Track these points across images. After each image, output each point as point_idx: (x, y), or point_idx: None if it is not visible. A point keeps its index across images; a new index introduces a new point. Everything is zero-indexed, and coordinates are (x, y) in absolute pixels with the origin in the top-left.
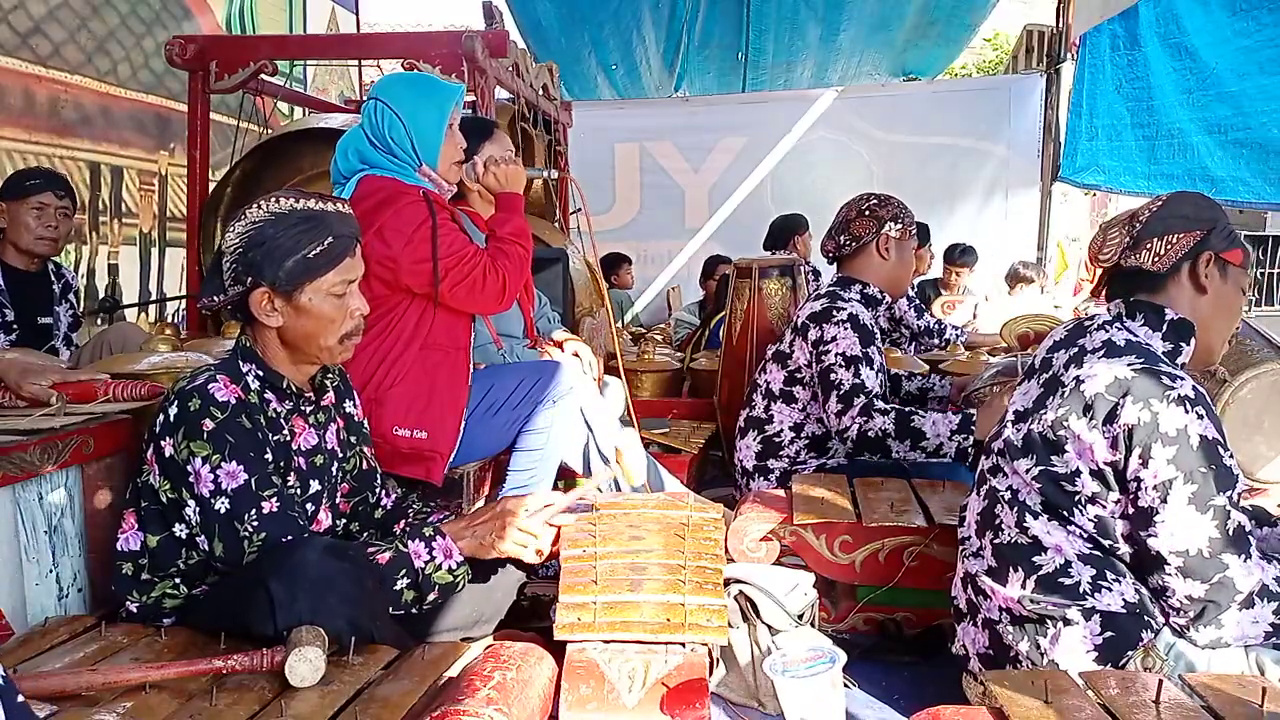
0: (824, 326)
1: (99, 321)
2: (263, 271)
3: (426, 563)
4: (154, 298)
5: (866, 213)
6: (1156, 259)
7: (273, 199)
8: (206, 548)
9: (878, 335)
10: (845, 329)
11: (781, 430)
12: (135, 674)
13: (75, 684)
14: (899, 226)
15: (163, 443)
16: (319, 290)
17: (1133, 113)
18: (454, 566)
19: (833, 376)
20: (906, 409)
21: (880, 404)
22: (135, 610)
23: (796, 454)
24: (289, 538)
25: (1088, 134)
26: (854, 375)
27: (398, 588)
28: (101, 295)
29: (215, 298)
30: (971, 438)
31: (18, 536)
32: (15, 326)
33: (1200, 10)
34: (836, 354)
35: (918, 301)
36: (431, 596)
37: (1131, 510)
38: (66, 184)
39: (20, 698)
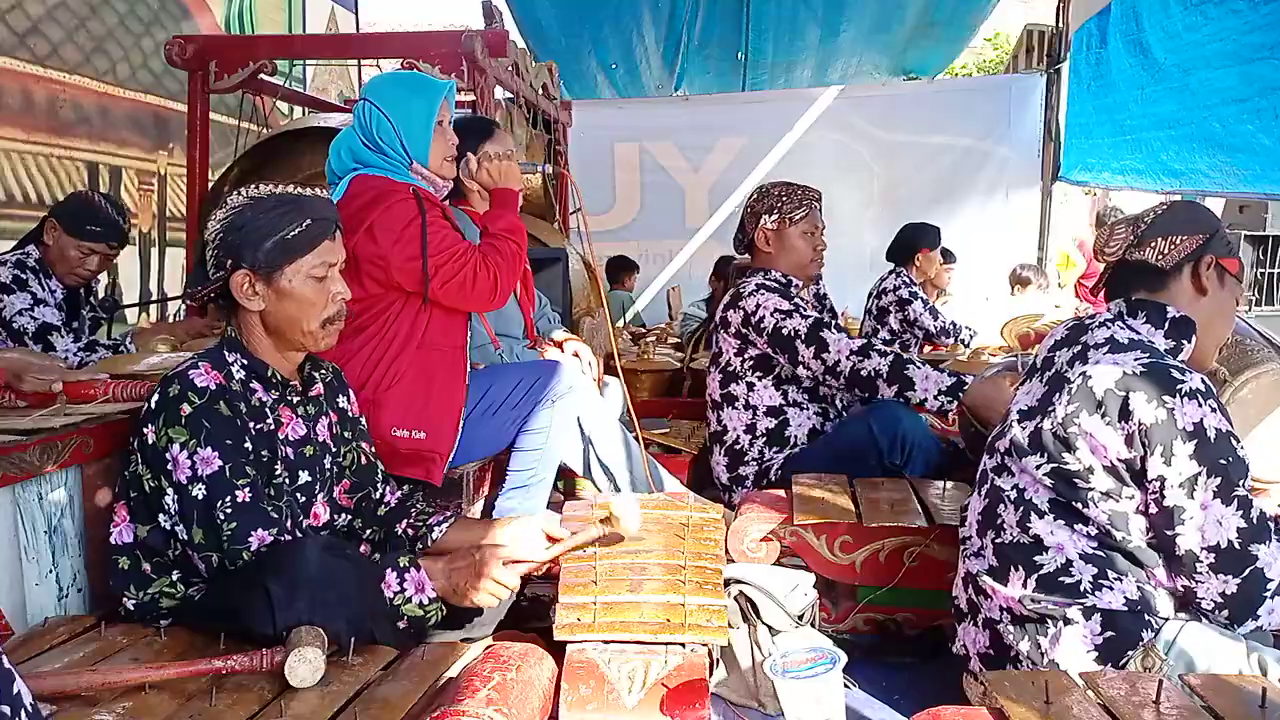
0: (741, 306)
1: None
2: (242, 254)
3: (396, 593)
4: (154, 298)
5: (748, 210)
6: (1161, 256)
7: (251, 186)
8: (185, 536)
9: (792, 294)
10: (762, 294)
11: (737, 437)
12: (135, 674)
13: (75, 684)
14: (775, 218)
15: (145, 429)
16: (299, 272)
17: (1096, 110)
18: (425, 601)
19: (784, 331)
20: (905, 356)
21: (880, 346)
22: (133, 607)
23: (760, 455)
24: (259, 530)
25: (1071, 132)
26: (801, 319)
27: None
28: (102, 295)
29: (199, 287)
30: (956, 402)
31: (18, 536)
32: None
33: (1158, 6)
34: (770, 314)
35: (931, 304)
36: (401, 625)
37: (1155, 510)
38: (123, 233)
39: None
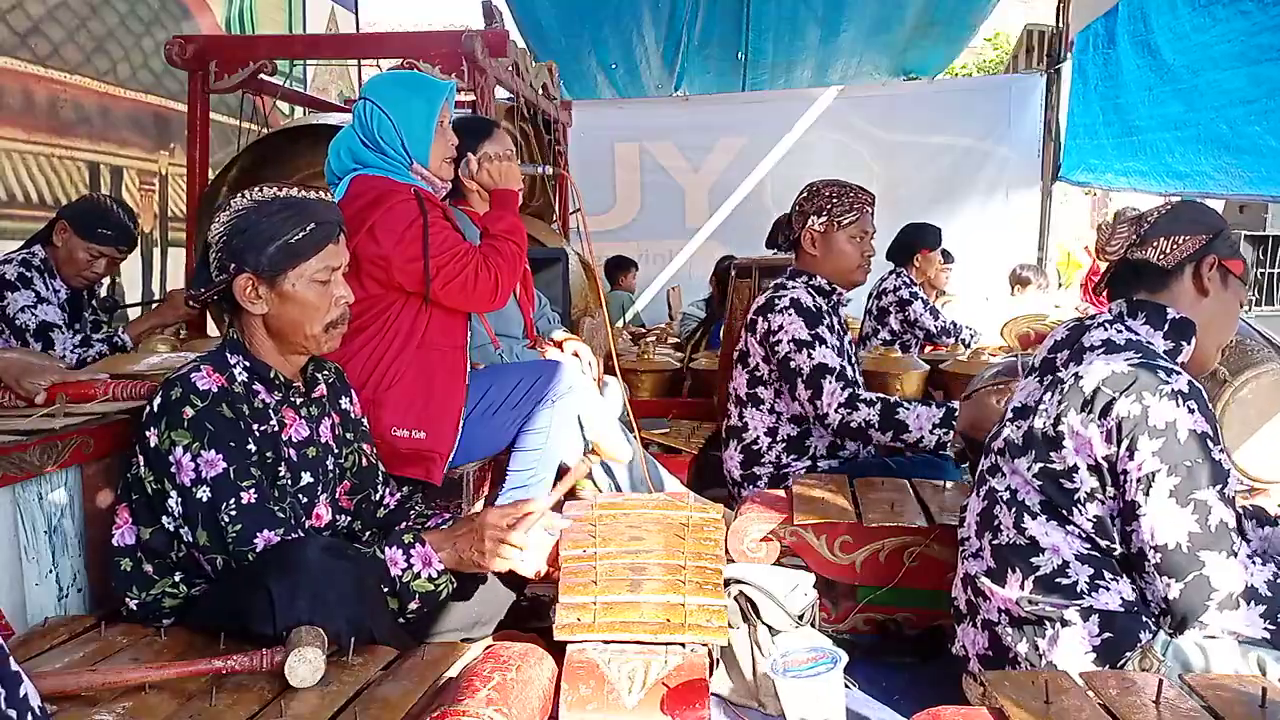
0: (769, 317)
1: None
2: (245, 258)
3: (404, 570)
4: (157, 298)
5: (796, 208)
6: (1162, 256)
7: (256, 189)
8: (190, 538)
9: (826, 319)
10: (789, 315)
11: (757, 437)
12: (135, 674)
13: (75, 684)
14: (823, 219)
15: (147, 433)
16: (302, 276)
17: (1104, 111)
18: (434, 575)
19: (791, 364)
20: (892, 400)
21: (866, 394)
22: (135, 608)
23: (777, 459)
24: (265, 531)
25: (1073, 133)
26: (808, 358)
27: None
28: (103, 295)
29: (202, 289)
30: (951, 432)
31: (18, 536)
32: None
33: (1167, 7)
34: (787, 341)
35: (932, 304)
36: (413, 606)
37: (1121, 505)
38: (133, 237)
39: None
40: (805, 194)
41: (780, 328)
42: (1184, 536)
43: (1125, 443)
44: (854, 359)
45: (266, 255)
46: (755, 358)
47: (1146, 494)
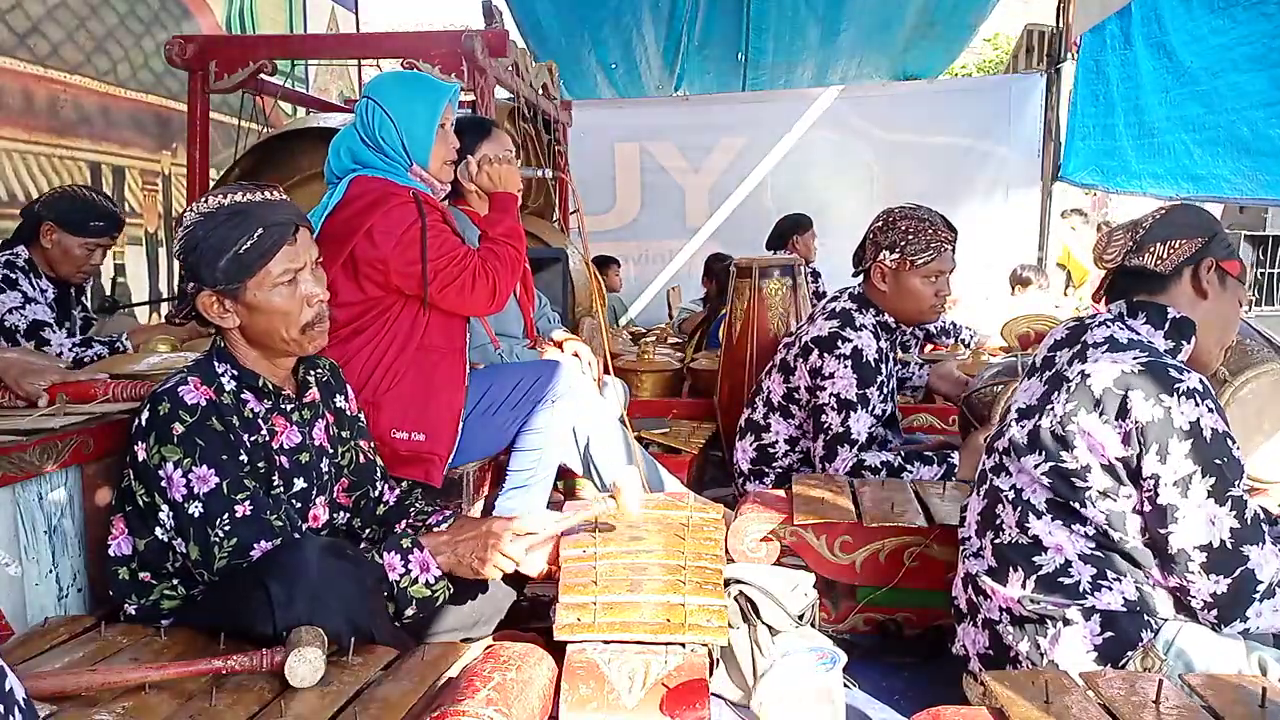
0: (825, 358)
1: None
2: (201, 274)
3: (401, 575)
4: (164, 297)
5: (869, 236)
6: (1160, 261)
7: (204, 199)
8: (184, 550)
9: (884, 368)
10: (845, 367)
11: (777, 441)
12: (135, 674)
13: (75, 684)
14: (896, 256)
15: (136, 447)
16: (263, 285)
17: (1124, 112)
18: (431, 580)
19: (824, 418)
20: (896, 463)
21: (871, 459)
22: (134, 612)
23: (790, 465)
24: (262, 541)
25: (1082, 134)
26: (843, 421)
27: None
28: (107, 293)
29: (181, 307)
30: (950, 480)
31: (18, 536)
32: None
33: (1182, 9)
34: (830, 394)
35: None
36: (409, 611)
37: (1148, 508)
38: (121, 222)
39: None
40: (880, 223)
41: (831, 376)
42: (1226, 533)
43: (1154, 447)
44: (894, 395)
45: (220, 270)
46: (798, 380)
47: (1185, 495)
